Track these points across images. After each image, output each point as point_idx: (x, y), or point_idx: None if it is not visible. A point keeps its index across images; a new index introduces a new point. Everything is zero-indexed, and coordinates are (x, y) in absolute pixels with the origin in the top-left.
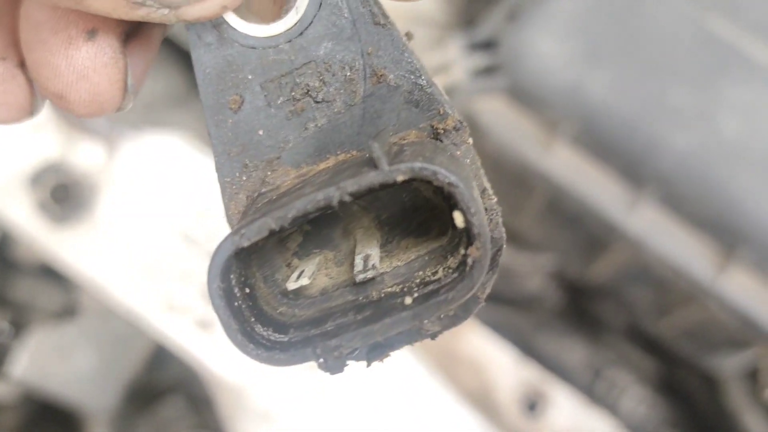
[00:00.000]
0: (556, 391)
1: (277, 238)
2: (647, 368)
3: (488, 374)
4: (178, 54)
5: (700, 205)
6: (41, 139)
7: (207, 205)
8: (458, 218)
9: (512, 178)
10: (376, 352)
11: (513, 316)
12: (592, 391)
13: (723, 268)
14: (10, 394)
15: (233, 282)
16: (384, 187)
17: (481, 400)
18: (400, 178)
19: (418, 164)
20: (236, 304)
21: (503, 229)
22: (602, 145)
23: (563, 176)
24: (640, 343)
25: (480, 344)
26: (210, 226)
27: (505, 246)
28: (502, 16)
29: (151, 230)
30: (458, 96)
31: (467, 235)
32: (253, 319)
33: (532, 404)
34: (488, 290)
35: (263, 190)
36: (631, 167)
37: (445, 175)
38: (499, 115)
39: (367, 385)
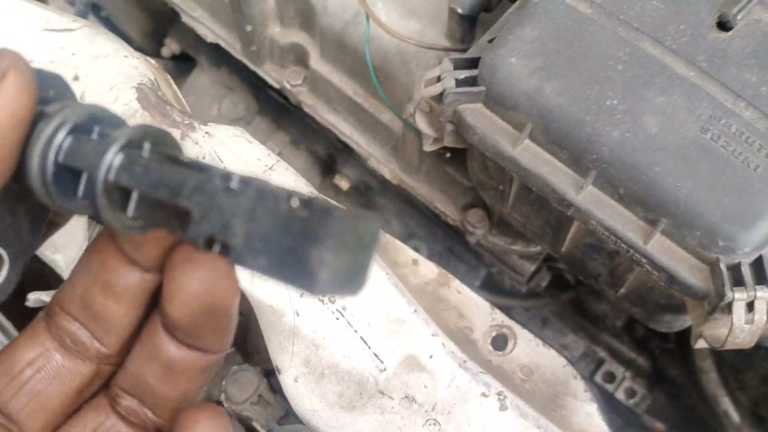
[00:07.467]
0: (519, 334)
1: None
2: (641, 364)
3: (468, 318)
4: (245, 80)
5: (630, 185)
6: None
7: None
8: None
9: (496, 169)
10: None
11: (521, 311)
12: (592, 382)
13: (650, 234)
14: None
15: None
16: None
17: (463, 337)
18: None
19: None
20: None
21: None
22: (555, 138)
23: (528, 165)
24: (636, 341)
25: (463, 294)
26: None
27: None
28: (485, 40)
29: None
30: (448, 100)
31: None
32: None
33: (500, 343)
34: None
35: None
36: (578, 156)
37: None
38: (479, 115)
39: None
